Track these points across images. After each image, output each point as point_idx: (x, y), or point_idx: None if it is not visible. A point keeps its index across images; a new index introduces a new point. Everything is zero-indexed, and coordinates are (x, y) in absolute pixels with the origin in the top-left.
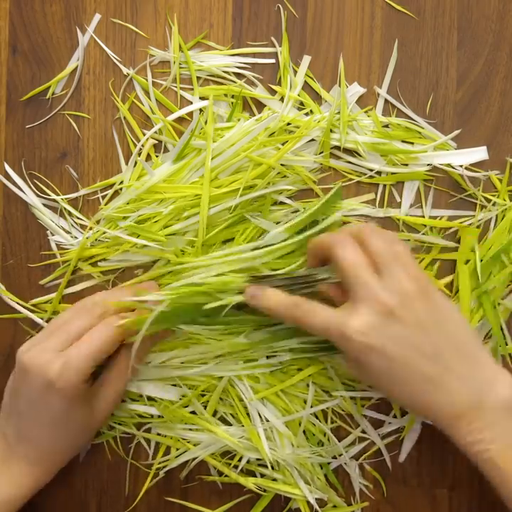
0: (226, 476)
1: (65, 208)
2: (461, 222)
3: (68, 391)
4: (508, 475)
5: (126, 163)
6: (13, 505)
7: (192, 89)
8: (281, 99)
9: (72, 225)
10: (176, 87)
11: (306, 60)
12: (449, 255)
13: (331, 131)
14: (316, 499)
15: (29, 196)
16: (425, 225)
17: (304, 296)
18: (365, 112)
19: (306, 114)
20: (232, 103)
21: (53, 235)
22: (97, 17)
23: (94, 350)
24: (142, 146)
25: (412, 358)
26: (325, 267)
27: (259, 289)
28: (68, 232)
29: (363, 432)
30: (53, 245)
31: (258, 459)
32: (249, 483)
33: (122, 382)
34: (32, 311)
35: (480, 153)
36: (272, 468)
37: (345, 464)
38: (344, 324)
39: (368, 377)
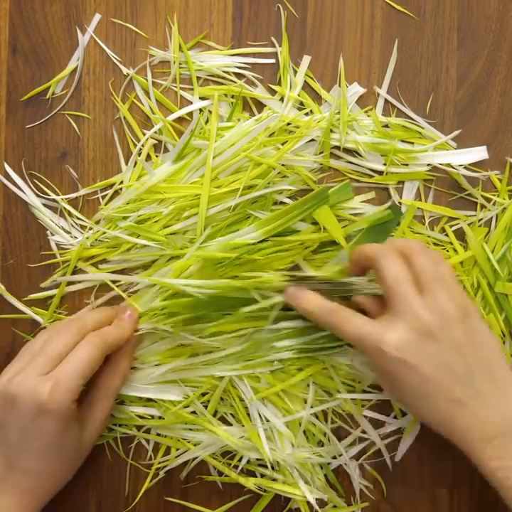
0: (226, 476)
1: (65, 208)
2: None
3: (61, 412)
4: None
5: (126, 163)
6: None
7: (192, 89)
8: (281, 99)
9: (72, 225)
10: (176, 87)
11: (306, 60)
12: (462, 255)
13: (331, 131)
14: (316, 499)
15: (29, 196)
16: (425, 224)
17: (340, 303)
18: (365, 111)
19: (306, 114)
20: (232, 103)
21: (53, 235)
22: (97, 17)
23: (83, 368)
24: (142, 146)
25: (445, 380)
26: (365, 278)
27: (300, 290)
28: (68, 232)
29: (363, 432)
30: (53, 245)
31: (258, 459)
32: (250, 483)
33: (109, 402)
34: (30, 306)
35: (480, 153)
36: (272, 468)
37: (345, 464)
38: (380, 337)
39: (395, 391)
